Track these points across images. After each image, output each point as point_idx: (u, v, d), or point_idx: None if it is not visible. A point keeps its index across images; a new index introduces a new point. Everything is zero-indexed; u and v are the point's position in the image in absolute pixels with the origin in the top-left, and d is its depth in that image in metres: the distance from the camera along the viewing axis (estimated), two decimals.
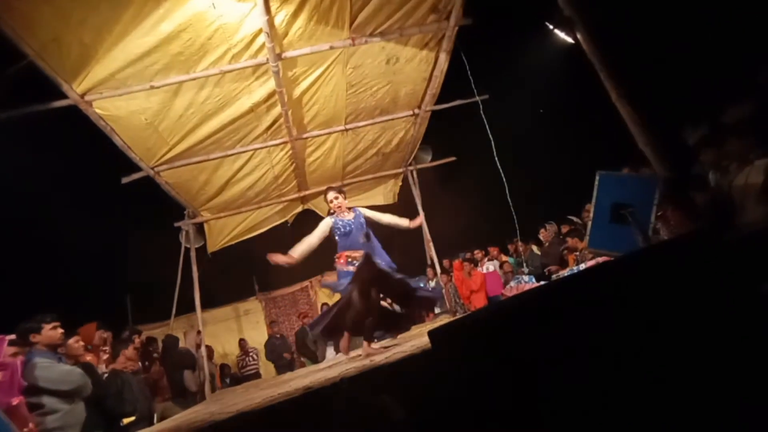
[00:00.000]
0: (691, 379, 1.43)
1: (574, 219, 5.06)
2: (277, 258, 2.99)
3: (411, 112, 5.19)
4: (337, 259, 3.22)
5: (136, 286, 7.96)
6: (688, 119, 3.28)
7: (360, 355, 3.02)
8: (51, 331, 2.67)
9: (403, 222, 3.44)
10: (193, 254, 5.81)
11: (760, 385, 1.43)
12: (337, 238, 3.23)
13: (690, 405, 1.39)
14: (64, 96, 3.26)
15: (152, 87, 3.50)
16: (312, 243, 3.16)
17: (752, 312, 1.55)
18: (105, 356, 3.75)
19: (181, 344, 6.38)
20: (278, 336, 7.05)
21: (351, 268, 3.08)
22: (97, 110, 3.56)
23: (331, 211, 3.33)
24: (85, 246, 7.59)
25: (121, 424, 3.37)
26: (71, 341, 3.09)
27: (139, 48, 3.12)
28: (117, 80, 3.33)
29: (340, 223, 3.23)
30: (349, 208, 3.34)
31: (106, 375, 3.50)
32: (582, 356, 1.38)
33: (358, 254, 3.10)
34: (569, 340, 1.45)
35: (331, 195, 3.31)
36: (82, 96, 3.33)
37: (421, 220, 3.57)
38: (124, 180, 4.71)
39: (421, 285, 3.02)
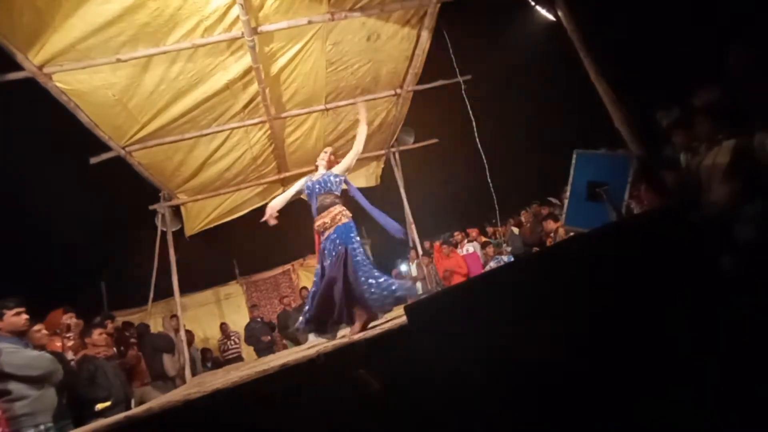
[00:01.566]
0: (650, 350, 1.48)
1: (554, 200, 5.15)
2: (268, 218, 2.99)
3: (393, 92, 5.10)
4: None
5: (112, 272, 7.74)
6: (662, 100, 3.34)
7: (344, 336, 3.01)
8: (14, 318, 2.56)
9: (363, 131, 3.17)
10: (170, 238, 5.65)
11: (718, 358, 1.50)
12: (309, 201, 3.05)
13: (648, 379, 1.45)
14: (20, 68, 3.05)
15: (118, 60, 3.30)
16: (286, 196, 3.10)
17: (711, 285, 1.62)
18: (70, 342, 3.64)
19: (161, 329, 6.29)
20: (258, 320, 7.02)
21: (320, 239, 2.90)
22: (58, 84, 3.35)
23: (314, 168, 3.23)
24: (57, 231, 7.29)
25: (96, 409, 3.31)
26: (33, 330, 2.97)
27: (101, 16, 2.92)
28: (78, 51, 3.12)
29: (309, 182, 3.05)
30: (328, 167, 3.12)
31: (73, 361, 3.41)
32: (551, 326, 1.41)
33: (319, 223, 2.89)
34: (539, 311, 1.48)
35: (328, 149, 3.22)
36: (40, 68, 3.12)
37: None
38: (93, 160, 4.50)
39: (385, 281, 2.62)
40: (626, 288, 1.48)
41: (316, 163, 3.20)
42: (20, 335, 2.63)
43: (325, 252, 2.83)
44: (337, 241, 2.78)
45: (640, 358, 1.48)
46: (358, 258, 2.70)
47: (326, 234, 2.85)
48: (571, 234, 3.25)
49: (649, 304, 1.47)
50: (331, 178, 3.03)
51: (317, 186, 2.99)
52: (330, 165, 3.18)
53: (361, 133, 3.15)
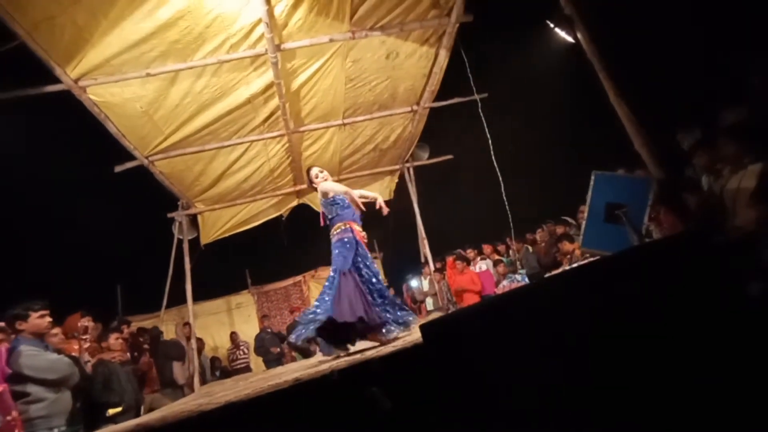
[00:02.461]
0: (674, 375, 1.44)
1: (569, 220, 5.08)
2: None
3: (409, 109, 5.18)
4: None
5: (128, 277, 7.89)
6: (683, 122, 3.30)
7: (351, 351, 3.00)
8: (38, 320, 2.63)
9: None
10: (186, 246, 5.76)
11: (744, 381, 1.44)
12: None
13: (672, 402, 1.40)
14: (57, 81, 3.21)
15: (148, 74, 3.45)
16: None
17: (737, 312, 1.57)
18: (86, 345, 3.70)
19: (173, 336, 6.35)
20: (268, 330, 7.03)
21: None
22: (92, 96, 3.51)
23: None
24: (76, 235, 7.51)
25: (107, 414, 3.33)
26: (50, 333, 3.03)
27: (136, 34, 3.07)
28: (112, 66, 3.28)
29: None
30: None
31: (88, 363, 3.46)
32: (571, 351, 1.39)
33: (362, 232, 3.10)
34: (559, 336, 1.46)
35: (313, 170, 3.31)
36: (76, 81, 3.28)
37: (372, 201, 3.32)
38: (117, 169, 4.65)
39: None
40: (651, 315, 1.44)
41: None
42: (40, 337, 2.69)
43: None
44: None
45: (664, 390, 1.44)
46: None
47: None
48: (587, 256, 3.20)
49: (675, 332, 1.44)
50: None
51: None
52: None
53: (362, 194, 3.27)
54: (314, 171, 3.30)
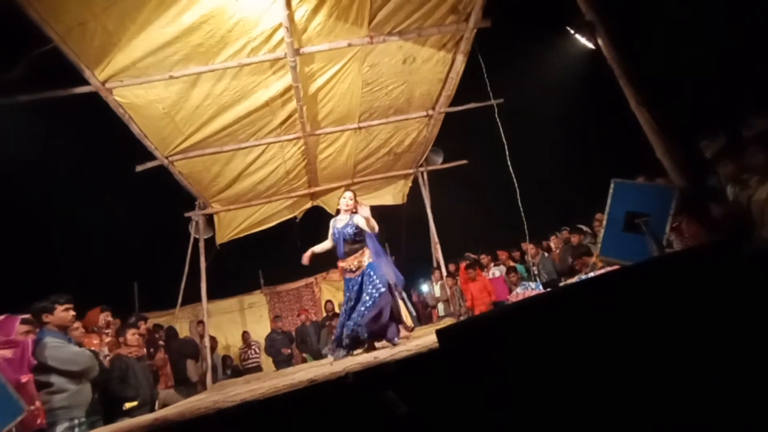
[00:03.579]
0: (698, 391, 1.40)
1: (584, 228, 5.01)
2: (305, 260, 3.54)
3: (425, 113, 5.19)
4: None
5: (144, 274, 8.06)
6: (707, 129, 3.23)
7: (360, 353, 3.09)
8: (63, 312, 2.71)
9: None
10: (201, 245, 5.87)
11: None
12: (334, 241, 3.47)
13: (696, 414, 1.37)
14: (86, 82, 3.32)
15: (171, 77, 3.54)
16: (325, 246, 3.58)
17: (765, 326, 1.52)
18: (107, 339, 3.79)
19: (186, 333, 6.45)
20: (279, 331, 7.08)
21: (347, 275, 3.36)
22: (117, 98, 3.62)
23: (338, 208, 3.50)
24: (96, 231, 7.71)
25: (123, 408, 3.40)
26: (73, 327, 3.13)
27: (161, 38, 3.16)
28: (138, 69, 3.38)
29: (334, 226, 3.45)
30: (354, 211, 3.40)
31: (108, 358, 3.54)
32: (589, 362, 1.37)
33: (346, 264, 3.34)
34: (576, 345, 1.44)
35: (347, 194, 3.49)
36: (104, 83, 3.39)
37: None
38: (139, 168, 4.77)
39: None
40: (672, 327, 1.41)
41: (341, 207, 3.45)
42: (64, 330, 2.78)
43: (362, 285, 3.28)
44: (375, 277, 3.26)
45: (684, 402, 1.40)
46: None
47: (359, 272, 3.31)
48: (605, 265, 3.14)
49: (697, 347, 1.40)
50: (355, 224, 3.36)
51: (344, 233, 3.37)
52: (350, 211, 3.42)
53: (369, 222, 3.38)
54: (351, 195, 3.50)
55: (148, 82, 3.51)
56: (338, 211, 3.51)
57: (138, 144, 4.33)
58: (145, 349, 4.18)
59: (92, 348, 3.32)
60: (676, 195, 2.31)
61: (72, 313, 2.77)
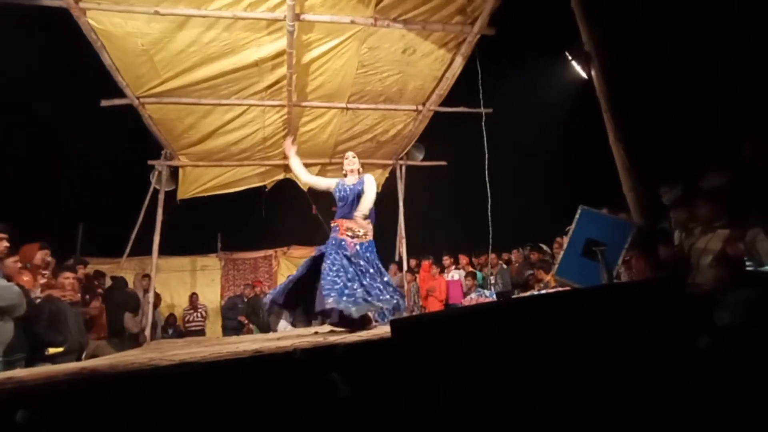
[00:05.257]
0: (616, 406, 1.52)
1: (545, 247, 5.23)
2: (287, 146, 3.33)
3: (415, 108, 5.17)
4: (338, 227, 3.10)
5: (92, 217, 7.54)
6: (669, 176, 3.45)
7: (316, 332, 3.03)
8: None
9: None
10: (161, 197, 5.59)
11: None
12: (337, 200, 3.21)
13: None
14: None
15: (157, 12, 3.31)
16: (319, 182, 3.37)
17: (686, 362, 1.67)
18: (42, 280, 3.53)
19: (131, 286, 6.14)
20: (245, 299, 6.93)
21: (339, 235, 3.05)
22: (90, 21, 3.33)
23: (343, 172, 3.34)
24: (46, 162, 7.11)
25: (46, 352, 3.20)
26: (9, 260, 2.90)
27: None
28: None
29: (341, 185, 3.22)
30: (359, 171, 3.29)
31: (39, 300, 3.31)
32: (530, 369, 1.44)
33: (354, 224, 3.06)
34: (522, 353, 1.51)
35: (350, 153, 3.35)
36: (77, 1, 3.10)
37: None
38: (104, 103, 4.45)
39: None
40: (606, 349, 1.51)
41: (347, 169, 3.29)
42: None
43: (358, 254, 3.02)
44: (370, 256, 3.07)
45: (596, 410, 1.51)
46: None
47: (356, 241, 3.06)
48: (558, 284, 3.30)
49: (624, 368, 1.51)
50: (363, 190, 3.19)
51: (356, 192, 3.16)
52: (357, 171, 3.31)
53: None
54: (357, 159, 3.33)
55: (129, 12, 3.25)
56: (344, 175, 3.32)
57: (108, 78, 4.02)
58: (80, 295, 3.94)
59: (22, 285, 3.08)
60: (632, 231, 2.46)
61: (5, 244, 2.55)
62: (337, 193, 3.20)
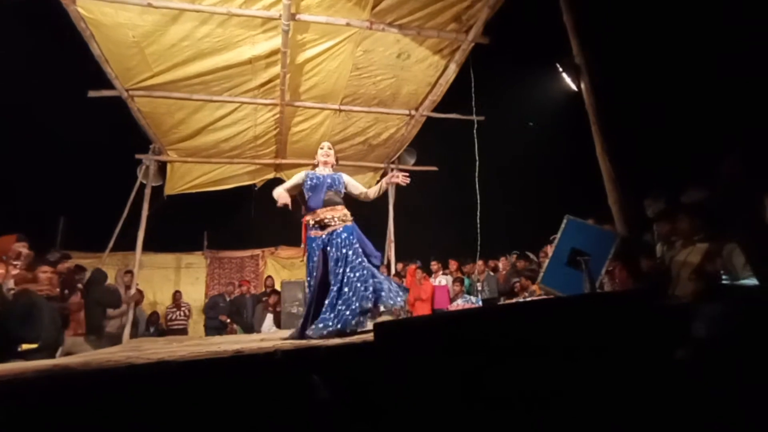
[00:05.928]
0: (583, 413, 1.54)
1: (531, 256, 5.28)
2: (282, 204, 2.84)
3: (408, 112, 5.20)
4: (304, 223, 2.95)
5: (75, 210, 7.36)
6: (653, 190, 3.53)
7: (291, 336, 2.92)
8: None
9: (375, 190, 3.12)
10: (148, 191, 5.49)
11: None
12: (306, 192, 2.96)
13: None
14: None
15: (150, 5, 3.27)
16: (287, 186, 2.97)
17: (663, 373, 1.70)
18: (15, 271, 3.41)
19: (112, 282, 5.99)
20: (227, 298, 6.82)
21: (313, 233, 2.85)
22: (80, 9, 3.27)
23: (315, 162, 3.14)
24: (29, 153, 6.92)
25: (19, 349, 3.09)
26: None
27: None
28: None
29: (312, 174, 3.01)
30: (332, 166, 3.11)
31: (13, 292, 3.20)
32: (510, 374, 1.44)
33: (319, 214, 2.84)
34: (502, 358, 1.51)
35: (325, 143, 3.17)
36: None
37: (395, 179, 3.04)
38: (92, 94, 4.37)
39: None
40: (587, 357, 1.53)
41: (320, 159, 3.13)
42: None
43: (333, 248, 2.77)
44: (353, 240, 2.79)
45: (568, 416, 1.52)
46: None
47: (329, 230, 2.82)
48: (542, 292, 3.34)
49: (604, 376, 1.53)
50: (342, 180, 3.04)
51: (329, 180, 2.97)
52: (331, 165, 3.16)
53: (367, 191, 3.15)
54: (331, 147, 3.16)
55: (121, 3, 3.20)
56: (314, 167, 3.14)
57: (97, 68, 3.95)
58: (58, 290, 3.83)
59: None
60: (616, 242, 2.50)
61: None
62: (308, 182, 2.96)
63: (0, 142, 6.54)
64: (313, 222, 2.87)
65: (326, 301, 2.65)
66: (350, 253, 2.72)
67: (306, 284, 2.93)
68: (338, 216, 2.86)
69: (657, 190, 3.53)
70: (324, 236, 2.82)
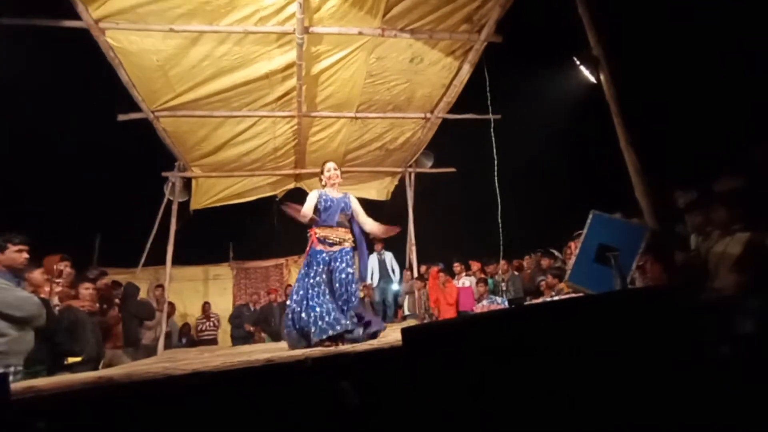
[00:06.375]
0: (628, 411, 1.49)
1: (556, 253, 5.15)
2: (292, 208, 3.15)
3: (423, 115, 5.20)
4: (310, 236, 3.17)
5: (109, 228, 7.72)
6: (682, 180, 3.39)
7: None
8: (16, 254, 2.57)
9: (375, 227, 3.35)
10: (175, 207, 5.71)
11: None
12: (321, 212, 3.18)
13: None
14: (77, 17, 3.15)
15: (171, 30, 3.41)
16: (306, 213, 3.15)
17: (698, 370, 1.63)
18: (58, 288, 3.61)
19: (143, 296, 6.24)
20: (251, 308, 6.98)
21: (320, 246, 3.10)
22: (109, 40, 3.45)
23: (323, 183, 3.31)
24: (64, 176, 7.32)
25: (65, 362, 3.27)
26: (36, 272, 2.99)
27: None
28: (137, 14, 3.24)
29: (325, 196, 3.21)
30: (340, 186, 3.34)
31: (58, 308, 3.38)
32: (541, 376, 1.42)
33: (330, 233, 3.11)
34: (532, 359, 1.49)
35: (330, 165, 3.32)
36: (97, 22, 3.22)
37: (392, 231, 3.43)
38: (121, 117, 4.59)
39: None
40: (621, 357, 1.48)
41: (330, 182, 3.26)
42: (15, 272, 2.63)
43: (339, 262, 3.10)
44: (351, 261, 3.16)
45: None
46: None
47: (337, 248, 3.14)
48: (570, 291, 3.25)
49: (639, 377, 1.48)
50: (351, 205, 3.29)
51: (342, 204, 3.23)
52: (338, 184, 3.33)
53: (370, 225, 3.34)
54: (337, 170, 3.33)
55: (145, 30, 3.36)
56: (322, 186, 3.31)
57: (124, 92, 4.15)
58: (98, 305, 4.02)
59: (43, 296, 3.17)
60: (646, 236, 2.41)
61: (25, 255, 2.63)
62: (323, 203, 3.17)
63: (41, 165, 6.97)
64: (323, 236, 3.13)
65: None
66: (350, 270, 3.10)
67: (297, 287, 3.09)
68: (347, 239, 3.19)
69: (684, 180, 3.39)
70: (332, 252, 3.11)
